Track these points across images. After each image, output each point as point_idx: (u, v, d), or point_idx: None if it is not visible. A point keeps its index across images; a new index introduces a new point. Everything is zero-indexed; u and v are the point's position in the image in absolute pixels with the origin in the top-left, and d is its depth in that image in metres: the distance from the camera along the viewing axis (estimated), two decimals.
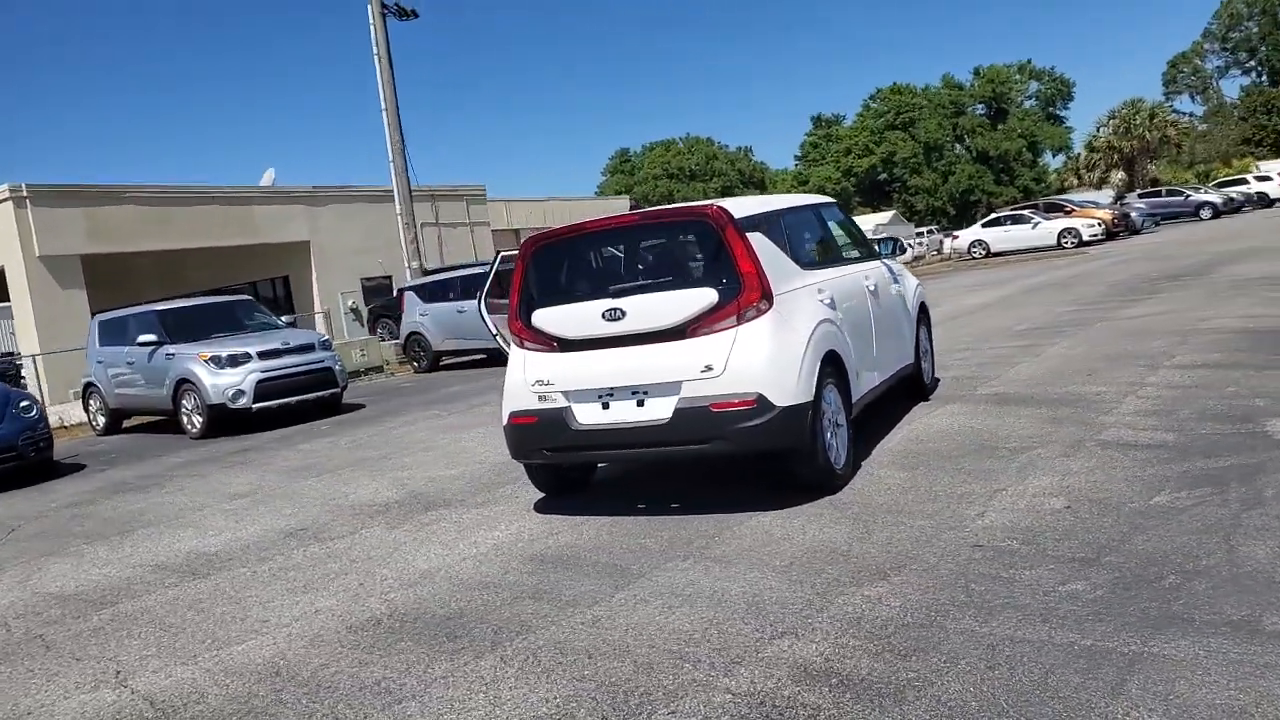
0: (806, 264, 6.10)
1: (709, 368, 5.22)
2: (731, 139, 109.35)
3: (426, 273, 19.26)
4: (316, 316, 21.85)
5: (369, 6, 18.42)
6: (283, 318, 14.64)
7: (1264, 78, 72.72)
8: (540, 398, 5.70)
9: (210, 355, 11.90)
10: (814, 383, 5.39)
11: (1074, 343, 9.92)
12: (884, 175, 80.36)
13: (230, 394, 11.74)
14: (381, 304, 23.79)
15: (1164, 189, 43.55)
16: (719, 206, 5.45)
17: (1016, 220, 31.77)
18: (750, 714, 3.11)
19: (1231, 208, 40.69)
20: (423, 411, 11.92)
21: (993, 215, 33.64)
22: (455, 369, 17.45)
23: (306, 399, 12.35)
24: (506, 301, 7.75)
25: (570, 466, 6.27)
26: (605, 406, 5.52)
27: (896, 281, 7.68)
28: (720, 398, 5.19)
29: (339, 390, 12.90)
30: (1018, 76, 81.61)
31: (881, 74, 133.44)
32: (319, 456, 9.54)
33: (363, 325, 20.72)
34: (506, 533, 5.69)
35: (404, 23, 18.98)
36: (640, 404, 5.42)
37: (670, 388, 5.32)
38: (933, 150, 78.79)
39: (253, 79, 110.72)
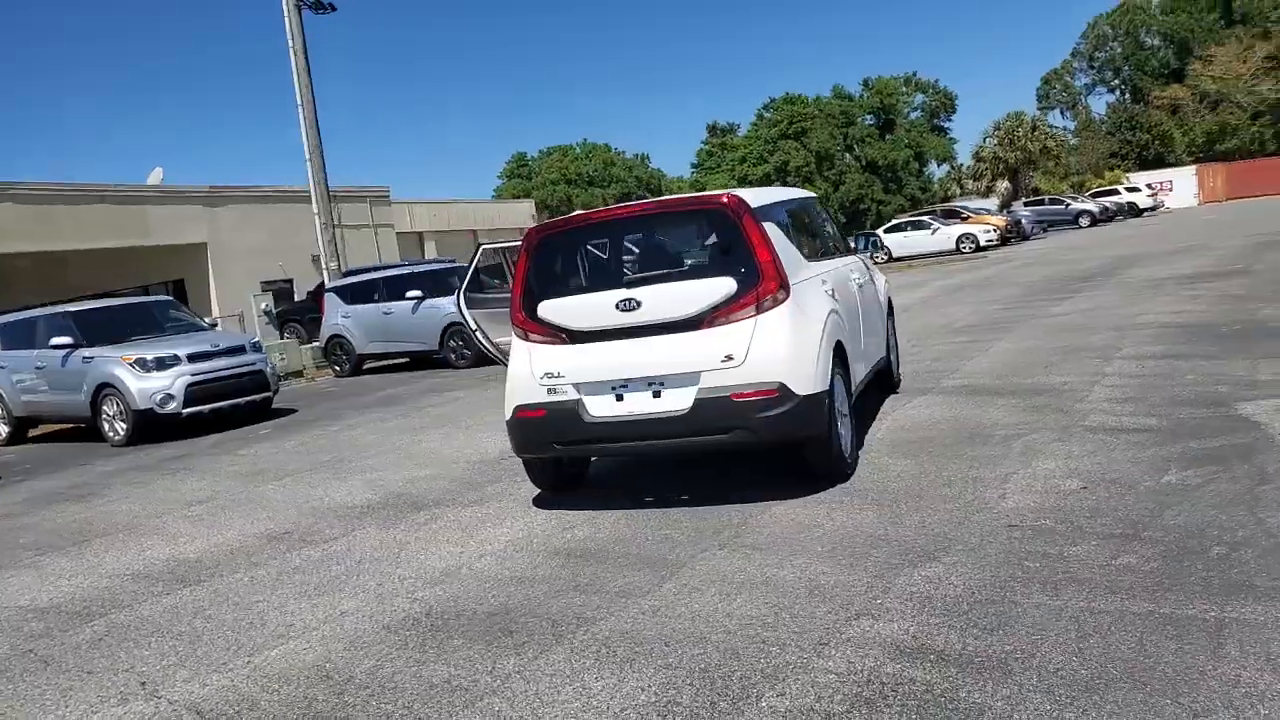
0: (807, 256, 6.16)
1: (729, 357, 5.21)
2: (628, 145, 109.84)
3: (347, 274, 18.70)
4: (227, 320, 20.92)
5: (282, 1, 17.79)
6: (205, 319, 13.96)
7: (1127, 95, 77.30)
8: (549, 390, 5.59)
9: (135, 358, 11.26)
10: (829, 372, 5.45)
11: (1017, 338, 10.32)
12: (778, 183, 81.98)
13: (158, 399, 11.12)
14: (288, 307, 22.98)
15: (1046, 198, 45.80)
16: (735, 195, 5.46)
17: (917, 226, 32.90)
18: (862, 692, 3.11)
19: (1106, 216, 43.13)
20: (363, 415, 11.55)
21: (894, 221, 34.75)
22: (379, 373, 16.98)
23: (239, 403, 11.80)
24: (487, 296, 7.64)
25: (570, 461, 6.17)
26: (619, 398, 5.45)
27: (872, 277, 7.84)
28: (742, 387, 5.18)
29: (271, 394, 12.39)
30: (904, 89, 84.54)
31: (774, 84, 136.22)
32: (269, 461, 9.14)
33: (276, 329, 19.94)
34: (516, 529, 5.56)
35: (318, 16, 18.41)
36: (656, 395, 5.37)
37: (689, 378, 5.29)
38: (824, 159, 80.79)
39: (148, 73, 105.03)
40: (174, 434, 11.48)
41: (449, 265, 17.30)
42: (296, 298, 23.53)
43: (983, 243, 31.11)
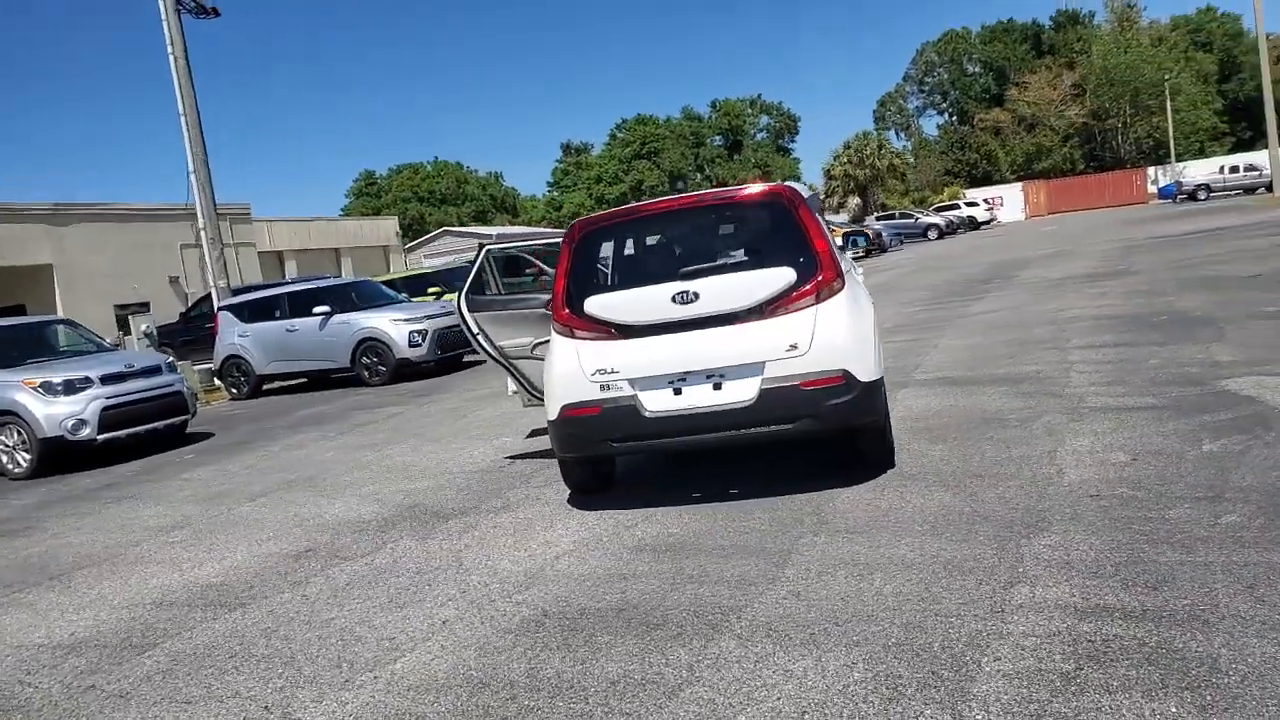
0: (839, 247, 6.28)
1: (794, 346, 5.24)
2: (481, 164, 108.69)
3: (236, 291, 17.71)
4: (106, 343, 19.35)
5: (160, 1, 16.74)
6: (107, 339, 12.87)
7: (955, 118, 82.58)
8: (602, 387, 5.47)
9: (40, 381, 10.27)
10: (881, 359, 5.57)
11: (958, 335, 10.81)
12: (633, 202, 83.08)
13: (69, 425, 10.18)
14: (159, 329, 21.52)
15: (897, 213, 48.30)
16: (789, 186, 5.51)
17: None
18: (1077, 650, 3.18)
19: (951, 229, 45.90)
20: (299, 434, 10.94)
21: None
22: (280, 394, 16.12)
23: (157, 427, 10.95)
24: (491, 299, 7.41)
25: (602, 462, 6.04)
26: (677, 392, 5.39)
27: (859, 272, 8.06)
28: (809, 375, 5.22)
29: (190, 417, 11.57)
30: (750, 110, 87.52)
31: (626, 104, 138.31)
32: (224, 484, 8.52)
33: (157, 351, 18.61)
34: (574, 530, 5.39)
35: (199, 21, 17.41)
36: (717, 387, 5.34)
37: (752, 369, 5.28)
38: (677, 179, 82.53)
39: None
40: (84, 464, 10.53)
41: (355, 280, 16.64)
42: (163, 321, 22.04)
43: (851, 255, 32.41)
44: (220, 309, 16.25)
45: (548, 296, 7.34)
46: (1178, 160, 67.66)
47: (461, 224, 72.60)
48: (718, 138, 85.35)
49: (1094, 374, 7.58)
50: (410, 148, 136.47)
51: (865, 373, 5.30)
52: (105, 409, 10.37)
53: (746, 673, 3.35)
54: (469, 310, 7.19)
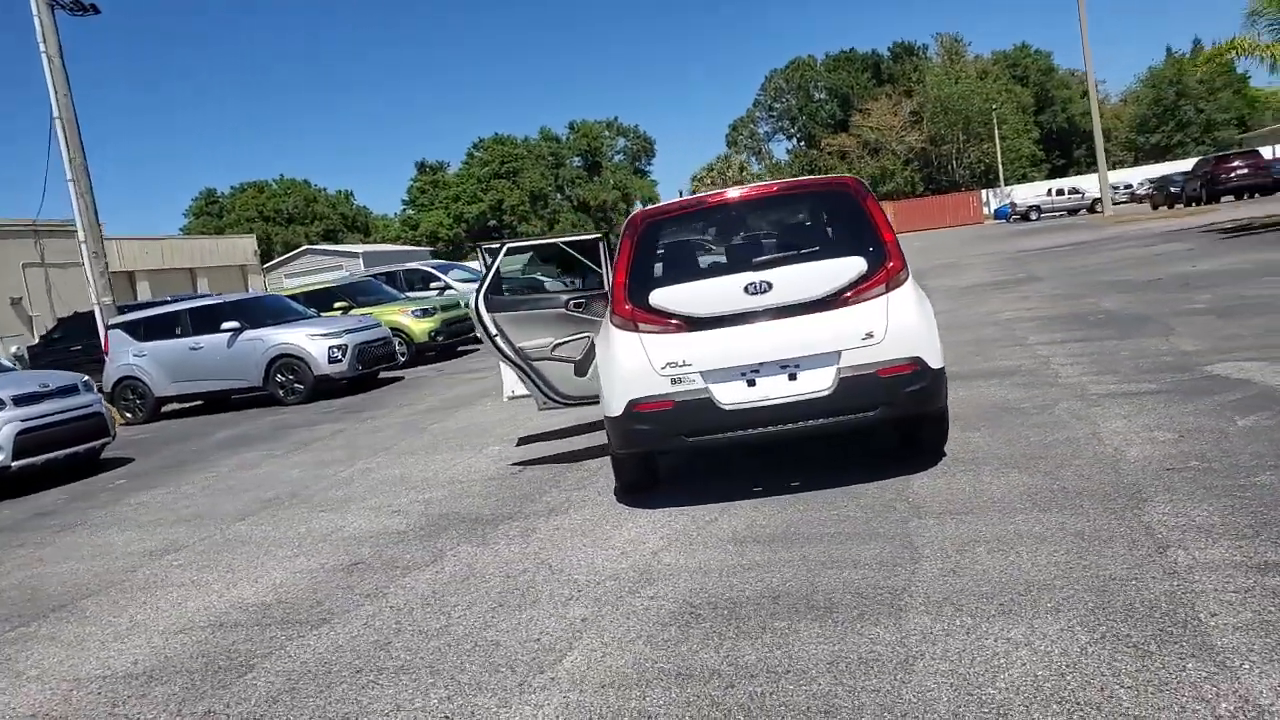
0: None
1: (870, 335, 5.29)
2: (330, 182, 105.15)
3: (122, 309, 16.44)
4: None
5: None
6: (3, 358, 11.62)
7: (803, 142, 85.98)
8: (674, 381, 5.36)
9: None
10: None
11: None
12: (494, 221, 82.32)
13: None
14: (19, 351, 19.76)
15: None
16: (854, 178, 5.58)
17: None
18: None
19: None
20: (235, 456, 10.22)
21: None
22: (179, 416, 15.03)
23: (77, 451, 10.00)
24: (510, 299, 7.16)
25: (654, 457, 5.92)
26: (751, 384, 5.34)
27: None
28: (886, 363, 5.27)
29: (110, 439, 10.62)
30: (607, 133, 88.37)
31: (483, 123, 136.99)
32: (189, 507, 7.85)
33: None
34: (652, 527, 5.24)
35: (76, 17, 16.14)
36: (792, 378, 5.32)
37: (828, 358, 5.29)
38: (538, 199, 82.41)
39: None
40: None
41: (261, 295, 15.74)
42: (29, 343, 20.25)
43: None
44: (111, 327, 15.02)
45: (568, 295, 7.21)
46: (1005, 184, 72.74)
47: (311, 242, 70.14)
48: (577, 158, 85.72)
49: (1076, 365, 7.99)
50: (255, 165, 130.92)
51: (935, 360, 5.40)
52: (20, 433, 9.40)
53: (969, 644, 3.33)
54: (487, 310, 6.93)
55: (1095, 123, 40.59)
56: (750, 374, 5.34)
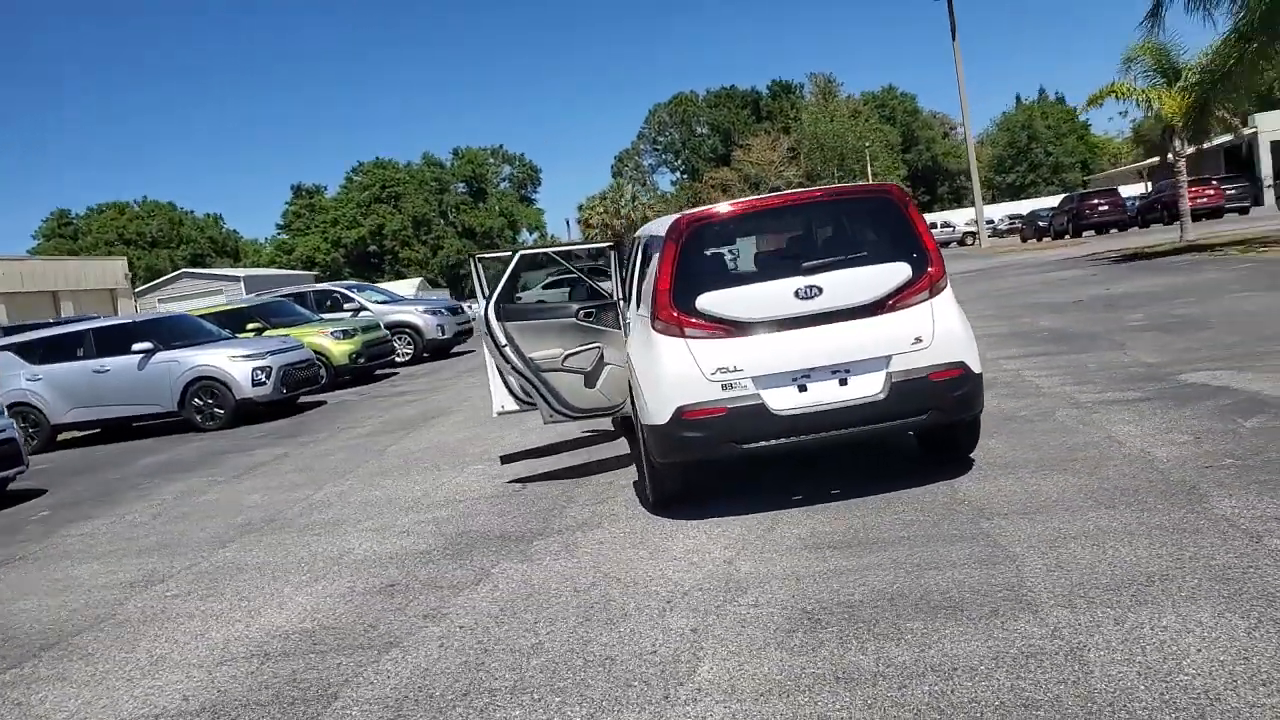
0: None
1: (919, 339, 5.32)
2: (197, 205, 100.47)
3: (7, 330, 15.18)
4: None
5: None
6: None
7: (687, 175, 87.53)
8: (724, 386, 5.26)
9: None
10: None
11: None
12: (374, 247, 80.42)
13: None
14: None
15: None
16: (896, 185, 5.63)
17: (575, 283, 34.18)
18: None
19: None
20: (174, 483, 9.50)
21: (550, 279, 35.80)
22: (79, 446, 13.93)
23: None
24: (519, 306, 6.92)
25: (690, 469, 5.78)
26: (802, 389, 5.29)
27: None
28: (935, 368, 5.31)
29: (24, 469, 9.71)
30: (492, 160, 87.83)
31: (362, 147, 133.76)
32: (149, 537, 7.22)
33: None
34: (712, 538, 5.09)
35: None
36: (843, 383, 5.29)
37: (878, 363, 5.29)
38: (421, 224, 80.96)
39: None
40: None
41: (171, 315, 14.83)
42: None
43: None
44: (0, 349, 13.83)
45: (578, 305, 7.01)
46: None
47: (176, 266, 67.00)
48: (461, 185, 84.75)
49: (1052, 377, 8.27)
50: (113, 185, 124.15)
51: (976, 364, 5.47)
52: None
53: (1128, 634, 3.31)
54: (497, 320, 6.67)
55: (971, 162, 42.91)
56: (801, 379, 5.28)
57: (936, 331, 5.35)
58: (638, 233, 7.27)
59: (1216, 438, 5.66)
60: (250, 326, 16.12)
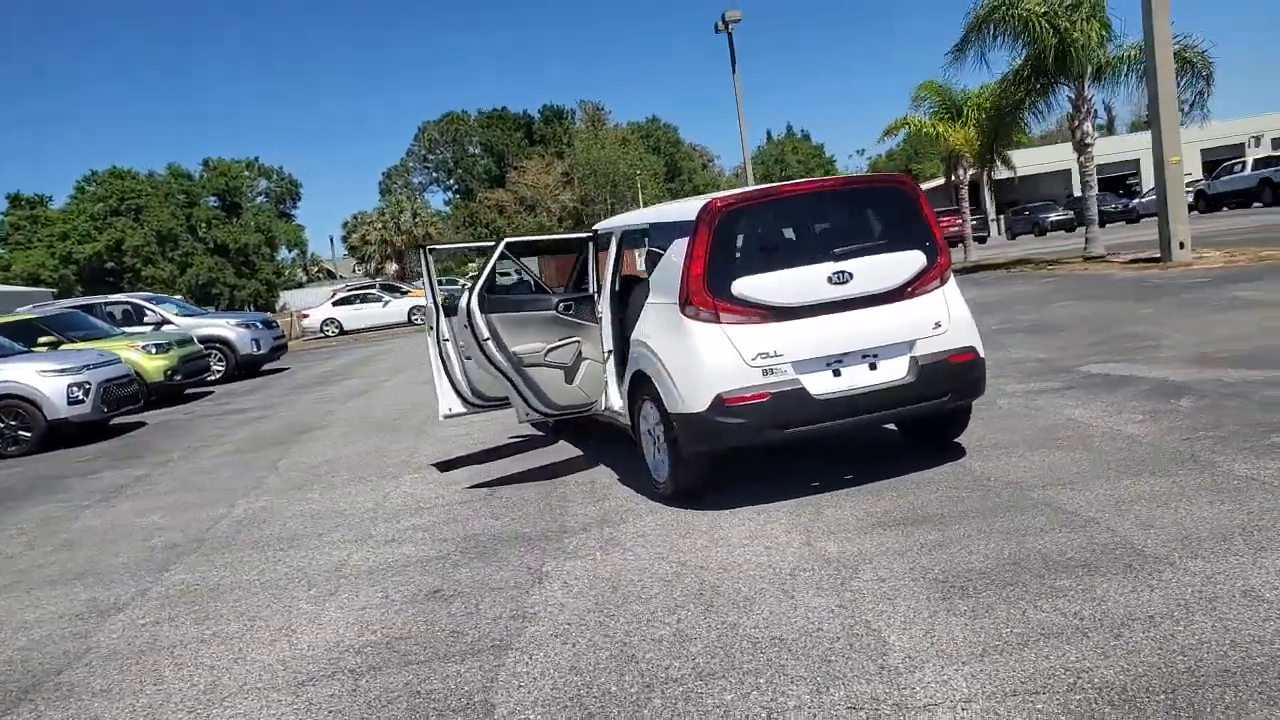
0: None
1: (938, 324, 5.52)
2: None
3: None
4: None
5: None
6: None
7: (460, 195, 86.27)
8: (765, 372, 5.23)
9: None
10: None
11: None
12: (112, 264, 73.05)
13: None
14: None
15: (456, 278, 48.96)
16: (908, 176, 5.81)
17: (366, 299, 32.75)
18: None
19: None
20: (23, 511, 8.17)
21: (341, 295, 33.99)
22: None
23: None
24: (501, 297, 6.56)
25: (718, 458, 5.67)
26: (836, 374, 5.35)
27: None
28: (953, 351, 5.53)
29: None
30: (247, 173, 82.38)
31: (94, 156, 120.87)
32: (50, 565, 6.13)
33: None
34: (756, 525, 5.02)
35: None
36: (873, 367, 5.41)
37: (903, 347, 5.44)
38: (166, 239, 74.43)
39: None
40: None
41: None
42: None
43: None
44: None
45: (558, 298, 6.71)
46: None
47: None
48: (213, 199, 78.80)
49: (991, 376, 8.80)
50: None
51: (981, 349, 5.76)
52: None
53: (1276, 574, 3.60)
54: (480, 311, 6.25)
55: (749, 182, 45.09)
56: (835, 364, 5.34)
57: (951, 317, 5.58)
58: (606, 225, 7.06)
59: (1167, 416, 6.25)
60: (42, 341, 14.15)
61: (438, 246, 7.73)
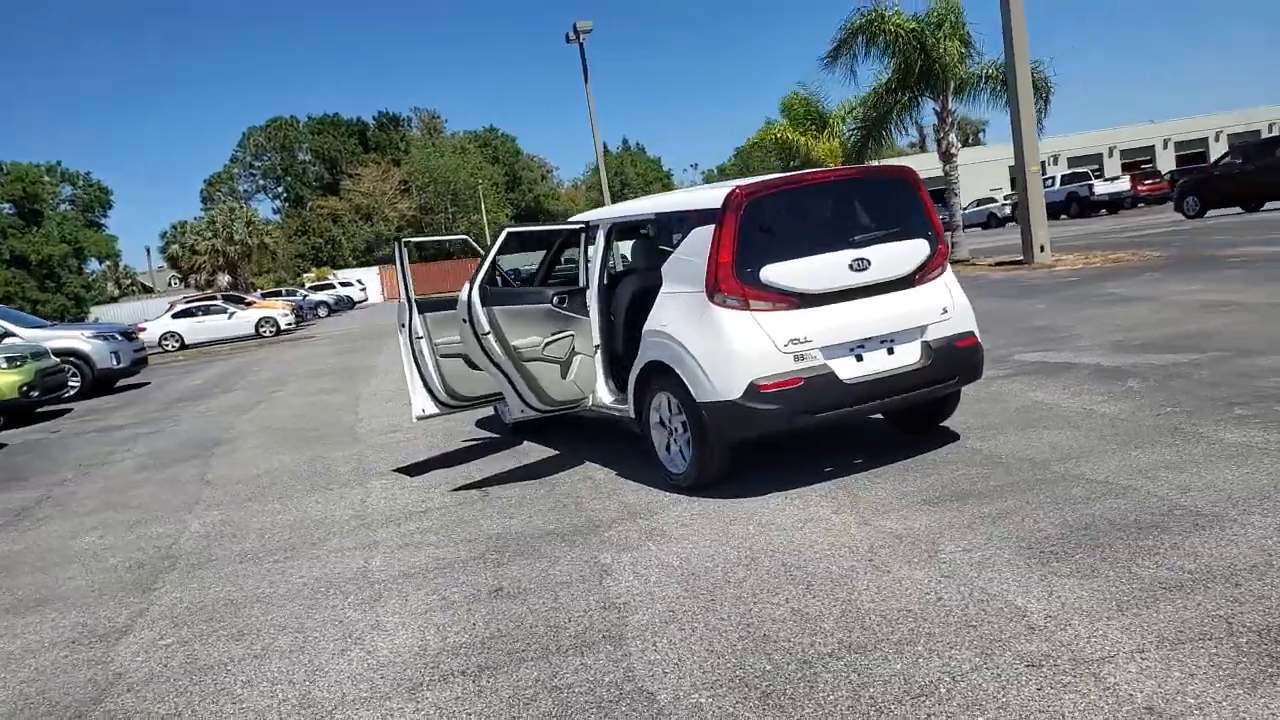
0: None
1: (945, 310, 5.74)
2: None
3: None
4: None
5: None
6: None
7: (290, 203, 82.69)
8: (797, 358, 5.28)
9: None
10: None
11: None
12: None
13: None
14: None
15: (292, 288, 46.79)
16: (910, 168, 6.00)
17: (209, 310, 30.86)
18: None
19: (343, 306, 46.25)
20: None
21: (180, 307, 31.81)
22: None
23: None
24: (502, 290, 6.33)
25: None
26: (859, 359, 5.46)
27: None
28: (959, 336, 5.76)
29: None
30: (48, 178, 76.04)
31: None
32: (9, 595, 5.47)
33: None
34: (799, 510, 5.05)
35: None
36: (890, 351, 5.55)
37: (915, 332, 5.62)
38: None
39: None
40: None
41: None
42: None
43: (283, 325, 30.82)
44: None
45: (553, 291, 6.52)
46: None
47: None
48: (8, 205, 72.22)
49: None
50: None
51: (978, 333, 6.02)
52: None
53: None
54: (481, 304, 5.99)
55: (605, 189, 45.32)
56: (858, 349, 5.45)
57: (955, 304, 5.81)
58: (596, 215, 6.90)
59: (1126, 397, 6.70)
60: None
61: (414, 239, 7.38)
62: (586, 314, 6.49)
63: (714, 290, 5.34)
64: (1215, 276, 12.49)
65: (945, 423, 6.43)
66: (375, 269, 66.24)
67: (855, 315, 5.44)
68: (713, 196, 5.55)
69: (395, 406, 10.84)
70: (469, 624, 4.04)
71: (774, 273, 5.33)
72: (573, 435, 7.62)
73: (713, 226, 5.42)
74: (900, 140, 21.26)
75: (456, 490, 6.47)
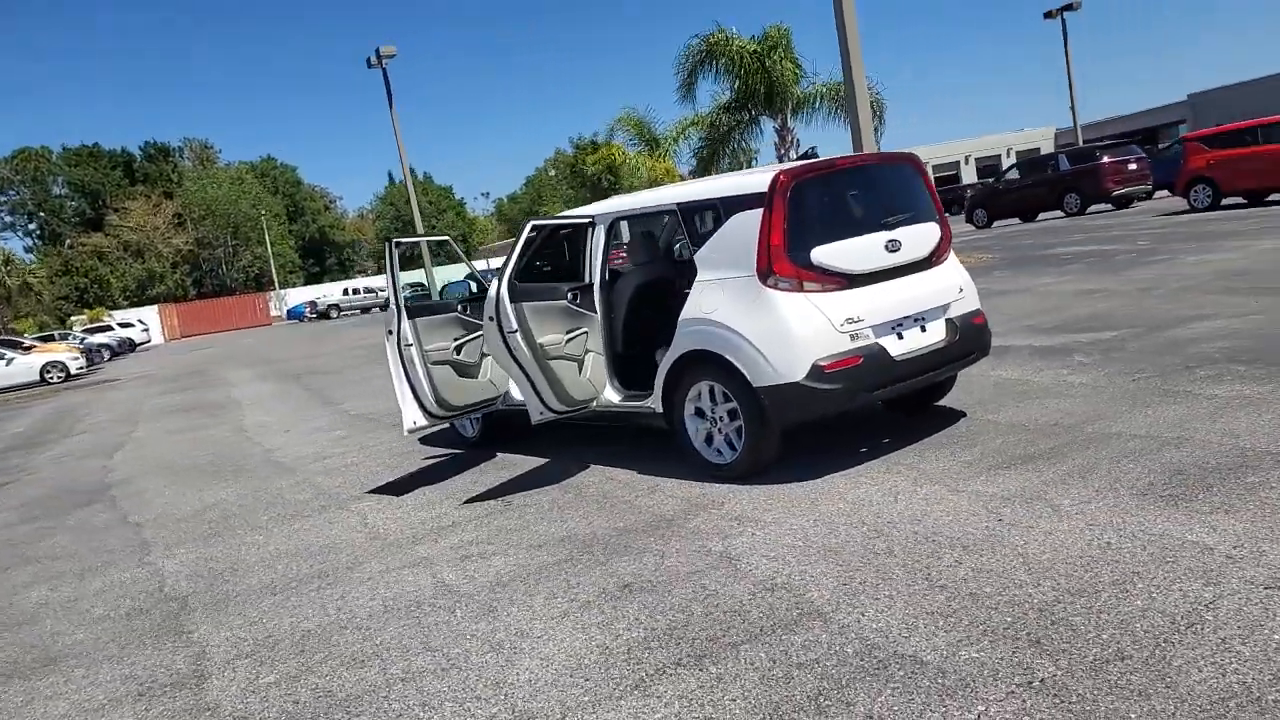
0: None
1: (961, 289, 5.99)
2: None
3: None
4: None
5: None
6: None
7: (46, 240, 75.07)
8: (852, 337, 5.35)
9: None
10: None
11: None
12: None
13: None
14: None
15: (55, 333, 42.22)
16: (915, 155, 6.20)
17: None
18: None
19: (124, 349, 42.33)
20: None
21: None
22: None
23: None
24: (528, 286, 6.00)
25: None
26: (900, 337, 5.59)
27: None
28: (973, 313, 6.02)
29: None
30: None
31: None
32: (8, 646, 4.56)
33: None
34: (869, 491, 5.08)
35: None
36: (923, 329, 5.72)
37: (940, 310, 5.82)
38: None
39: None
40: None
41: None
42: None
43: (74, 370, 27.85)
44: None
45: (567, 287, 6.24)
46: (280, 288, 73.36)
47: None
48: None
49: None
50: None
51: (983, 312, 6.30)
52: None
53: None
54: (510, 300, 5.63)
55: (418, 218, 44.04)
56: (898, 327, 5.58)
57: (965, 283, 6.06)
58: (603, 208, 6.59)
59: (1086, 369, 7.18)
60: None
61: (403, 240, 6.85)
62: (595, 311, 6.27)
63: (767, 273, 5.30)
64: (1062, 270, 13.71)
65: (939, 402, 6.67)
66: (154, 308, 61.18)
67: (894, 294, 5.56)
68: (756, 181, 5.52)
69: (299, 437, 10.05)
70: (628, 619, 3.78)
71: (824, 254, 5.37)
72: (546, 442, 7.33)
73: (759, 211, 5.38)
74: (743, 157, 22.04)
75: (469, 503, 6.05)
